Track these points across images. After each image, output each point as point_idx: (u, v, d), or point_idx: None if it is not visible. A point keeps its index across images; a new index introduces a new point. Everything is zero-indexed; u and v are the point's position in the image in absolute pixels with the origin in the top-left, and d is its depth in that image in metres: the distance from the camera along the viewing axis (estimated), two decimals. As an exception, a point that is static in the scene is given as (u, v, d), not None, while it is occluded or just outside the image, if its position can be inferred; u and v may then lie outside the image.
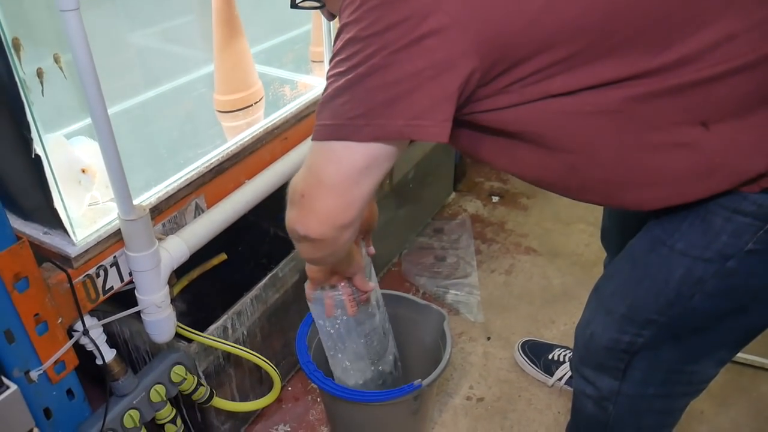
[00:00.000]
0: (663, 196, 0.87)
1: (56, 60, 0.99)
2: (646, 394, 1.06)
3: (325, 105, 0.80)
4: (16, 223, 1.07)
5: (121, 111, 1.43)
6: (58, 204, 0.98)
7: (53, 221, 1.01)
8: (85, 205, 1.09)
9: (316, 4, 0.97)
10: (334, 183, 0.80)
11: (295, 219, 0.85)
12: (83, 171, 1.07)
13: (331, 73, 0.79)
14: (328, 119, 0.79)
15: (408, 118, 0.75)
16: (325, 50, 1.54)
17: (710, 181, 0.83)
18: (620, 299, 1.00)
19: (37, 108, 0.92)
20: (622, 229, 1.28)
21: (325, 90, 0.80)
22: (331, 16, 1.00)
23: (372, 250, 1.32)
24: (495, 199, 2.44)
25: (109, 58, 1.39)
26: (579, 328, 1.12)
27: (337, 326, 1.28)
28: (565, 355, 1.66)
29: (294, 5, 0.97)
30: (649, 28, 0.76)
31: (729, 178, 0.82)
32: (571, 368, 1.20)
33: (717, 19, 0.76)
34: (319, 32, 1.59)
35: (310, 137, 0.82)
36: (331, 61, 0.81)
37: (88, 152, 1.09)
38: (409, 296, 1.53)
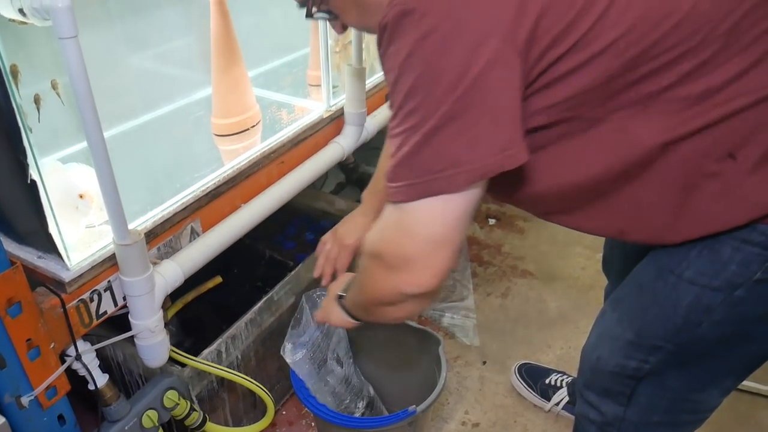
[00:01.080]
0: (685, 229, 0.87)
1: (54, 86, 0.99)
2: (651, 422, 1.05)
3: (404, 164, 0.76)
4: (11, 247, 1.07)
5: (118, 134, 1.43)
6: (53, 229, 0.98)
7: (48, 246, 1.01)
8: (82, 230, 1.09)
9: (328, 16, 0.95)
10: (444, 236, 0.79)
11: (403, 282, 0.83)
12: (81, 196, 1.07)
13: (400, 129, 0.76)
14: (414, 178, 0.76)
15: (495, 152, 0.74)
16: (322, 74, 1.55)
17: (732, 213, 0.83)
18: (627, 325, 1.00)
19: (33, 132, 0.93)
20: (624, 256, 1.28)
21: (398, 148, 0.77)
22: (342, 29, 0.98)
23: None
24: (492, 221, 2.44)
25: (107, 80, 1.40)
26: (585, 353, 1.11)
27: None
28: (562, 380, 1.66)
29: (309, 15, 0.94)
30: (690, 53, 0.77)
31: (750, 210, 0.82)
32: (575, 392, 1.19)
33: (743, 51, 0.77)
34: (316, 56, 1.60)
35: (391, 201, 0.81)
36: (394, 116, 0.78)
37: (85, 177, 1.09)
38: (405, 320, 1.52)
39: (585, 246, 2.26)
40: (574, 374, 1.69)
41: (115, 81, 1.44)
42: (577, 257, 2.23)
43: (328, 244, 1.36)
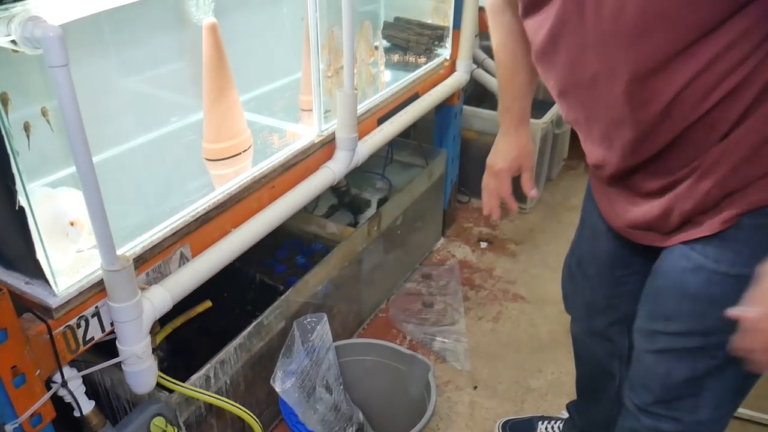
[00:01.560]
0: None
1: (44, 113, 1.00)
2: (716, 418, 1.06)
3: None
4: (-2, 272, 1.07)
5: (109, 157, 1.43)
6: (40, 255, 0.98)
7: (35, 272, 1.00)
8: (72, 256, 1.08)
9: None
10: None
11: None
12: (72, 224, 1.07)
13: None
14: None
15: None
16: (314, 99, 1.56)
17: None
18: (691, 334, 1.01)
19: (22, 157, 0.93)
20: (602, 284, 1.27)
21: None
22: None
23: (535, 192, 1.32)
24: (483, 245, 2.44)
25: (99, 104, 1.40)
26: (647, 371, 1.09)
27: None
28: (552, 426, 1.64)
29: None
30: None
31: None
32: (634, 409, 1.18)
33: None
34: (308, 81, 1.61)
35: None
36: None
37: (76, 203, 1.09)
38: (395, 346, 1.52)
39: (576, 270, 2.26)
40: (553, 413, 1.70)
41: (106, 105, 1.44)
42: (569, 281, 2.23)
43: (484, 180, 1.33)
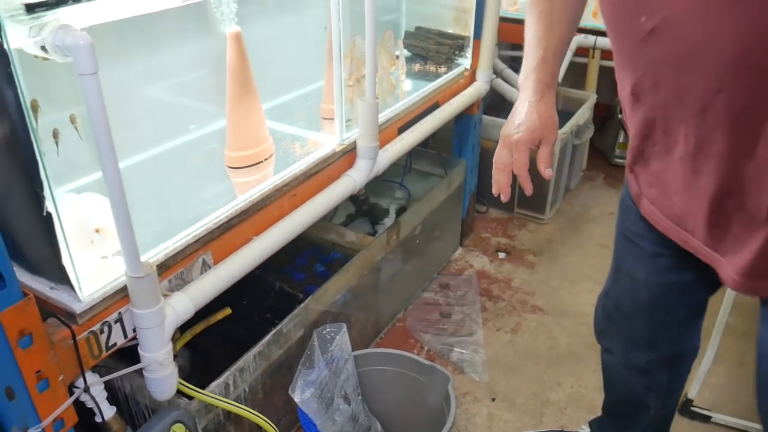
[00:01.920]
0: None
1: (72, 120, 1.01)
2: None
3: None
4: (23, 277, 1.07)
5: (132, 164, 1.44)
6: (66, 261, 0.99)
7: (60, 277, 1.01)
8: (97, 263, 1.09)
9: None
10: None
11: None
12: (97, 231, 1.08)
13: None
14: None
15: None
16: (335, 108, 1.56)
17: None
18: None
19: (50, 163, 0.94)
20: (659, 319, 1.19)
21: None
22: None
23: (550, 172, 1.10)
24: (501, 255, 2.43)
25: (123, 111, 1.41)
26: None
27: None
28: None
29: None
30: None
31: None
32: None
33: None
34: (330, 90, 1.62)
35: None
36: None
37: (102, 210, 1.10)
38: (414, 356, 1.51)
39: (595, 282, 2.24)
40: (572, 427, 1.67)
41: (130, 112, 1.45)
42: (588, 293, 2.21)
43: (497, 152, 1.13)
